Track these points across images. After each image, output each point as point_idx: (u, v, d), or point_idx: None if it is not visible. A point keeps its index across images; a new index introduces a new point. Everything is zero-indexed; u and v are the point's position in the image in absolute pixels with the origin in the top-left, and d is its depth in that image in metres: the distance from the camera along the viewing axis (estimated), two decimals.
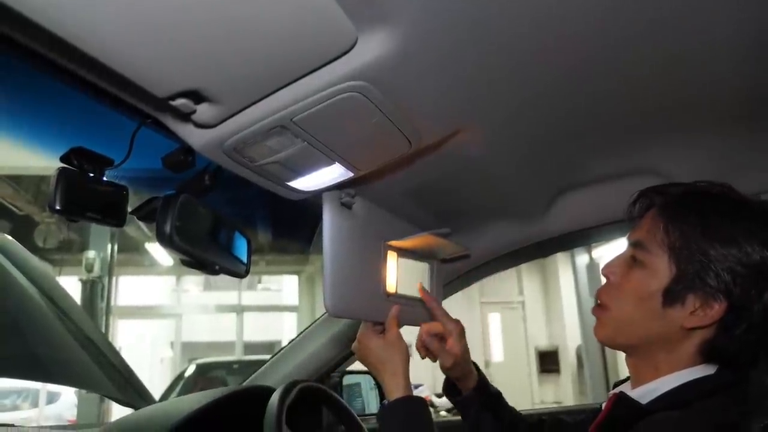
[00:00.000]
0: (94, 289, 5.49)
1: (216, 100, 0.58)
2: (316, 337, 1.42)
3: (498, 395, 1.03)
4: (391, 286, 1.00)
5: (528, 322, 9.09)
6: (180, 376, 6.00)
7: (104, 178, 0.73)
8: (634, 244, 0.74)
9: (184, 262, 0.79)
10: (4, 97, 3.05)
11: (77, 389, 5.22)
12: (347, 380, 1.47)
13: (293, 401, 0.95)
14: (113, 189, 0.75)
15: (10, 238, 1.49)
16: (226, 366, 6.34)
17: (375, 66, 0.58)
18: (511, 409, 1.04)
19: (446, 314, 1.03)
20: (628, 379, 0.79)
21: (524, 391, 8.34)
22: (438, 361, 1.00)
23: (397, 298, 1.01)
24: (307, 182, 0.79)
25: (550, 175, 1.05)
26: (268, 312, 10.95)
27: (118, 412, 4.43)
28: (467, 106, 0.74)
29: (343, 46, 0.55)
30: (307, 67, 0.57)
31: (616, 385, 0.81)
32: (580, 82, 0.74)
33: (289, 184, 0.79)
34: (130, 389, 1.42)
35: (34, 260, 1.48)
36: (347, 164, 0.76)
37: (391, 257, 1.02)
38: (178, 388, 5.64)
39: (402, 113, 0.68)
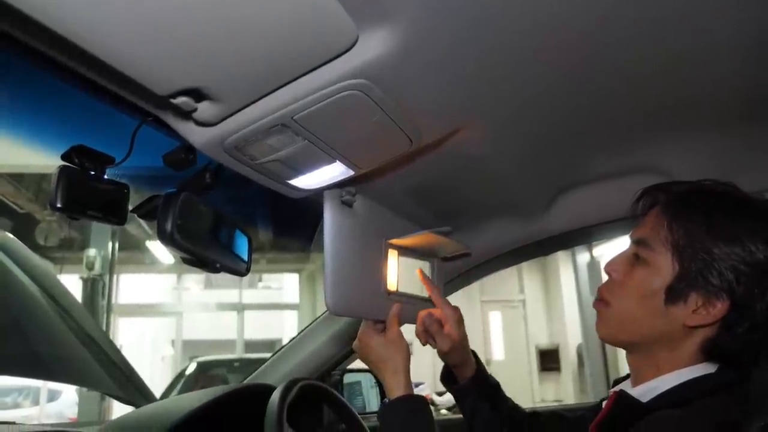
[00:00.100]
0: (95, 287, 5.51)
1: (217, 99, 0.58)
2: (317, 335, 1.42)
3: (497, 386, 1.03)
4: (391, 284, 1.00)
5: (529, 321, 9.11)
6: (181, 374, 6.00)
7: (105, 176, 0.73)
8: (637, 242, 0.74)
9: (185, 260, 0.79)
10: (6, 94, 3.06)
11: (78, 387, 5.24)
12: (348, 378, 1.47)
13: (294, 399, 0.95)
14: (114, 187, 0.75)
15: (11, 236, 1.50)
16: (227, 364, 6.34)
17: (376, 64, 0.58)
18: (510, 401, 1.03)
19: (445, 300, 1.03)
20: (628, 376, 0.79)
21: (525, 390, 8.35)
22: (436, 347, 1.00)
23: (397, 296, 1.01)
24: (308, 180, 0.79)
25: (551, 173, 1.05)
26: (268, 310, 10.97)
27: (119, 410, 4.43)
28: (468, 105, 0.74)
29: (344, 44, 0.55)
30: (308, 66, 0.57)
31: (617, 382, 0.81)
32: (582, 81, 0.74)
33: (289, 182, 0.79)
34: (131, 387, 1.42)
35: (35, 258, 1.48)
36: (348, 162, 0.76)
37: (392, 255, 1.02)
38: (178, 386, 5.64)
39: (403, 111, 0.68)
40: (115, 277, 6.15)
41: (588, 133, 0.90)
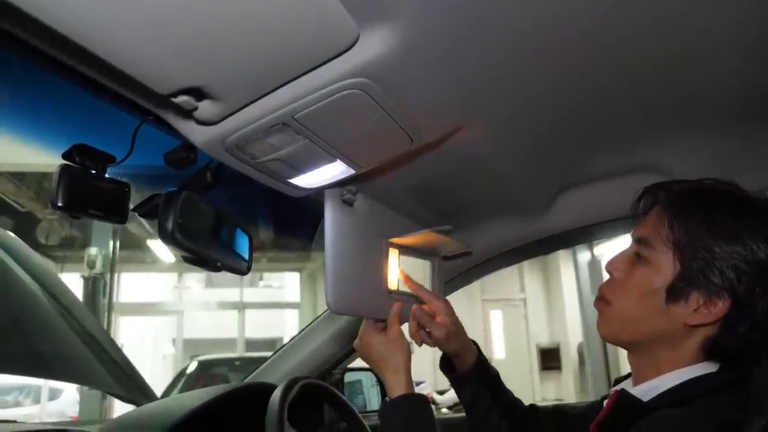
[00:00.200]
0: (96, 286, 5.52)
1: (218, 98, 0.58)
2: (318, 334, 1.42)
3: (497, 376, 1.02)
4: (392, 283, 1.00)
5: (529, 320, 9.11)
6: (182, 373, 6.00)
7: (106, 175, 0.74)
8: (638, 241, 0.73)
9: (186, 259, 0.79)
10: (6, 93, 3.06)
11: (79, 386, 5.24)
12: (349, 377, 1.47)
13: (295, 398, 0.95)
14: (115, 186, 0.75)
15: (12, 234, 1.50)
16: (228, 363, 6.35)
17: (376, 63, 0.58)
18: (510, 393, 1.03)
19: (432, 294, 1.03)
20: (629, 375, 0.79)
21: (526, 389, 8.35)
22: (432, 340, 0.99)
23: (398, 295, 1.01)
24: (309, 179, 0.79)
25: (551, 172, 1.05)
26: (269, 309, 10.99)
27: (120, 408, 4.44)
28: (469, 103, 0.74)
29: (345, 43, 0.55)
30: (309, 65, 0.57)
31: (617, 381, 0.81)
32: (583, 80, 0.73)
33: (290, 181, 0.79)
34: (132, 386, 1.43)
35: (36, 257, 1.48)
36: (349, 161, 0.76)
37: (393, 254, 1.02)
38: (179, 385, 5.64)
39: (403, 110, 0.68)
40: (116, 275, 6.16)
41: (589, 132, 0.90)
